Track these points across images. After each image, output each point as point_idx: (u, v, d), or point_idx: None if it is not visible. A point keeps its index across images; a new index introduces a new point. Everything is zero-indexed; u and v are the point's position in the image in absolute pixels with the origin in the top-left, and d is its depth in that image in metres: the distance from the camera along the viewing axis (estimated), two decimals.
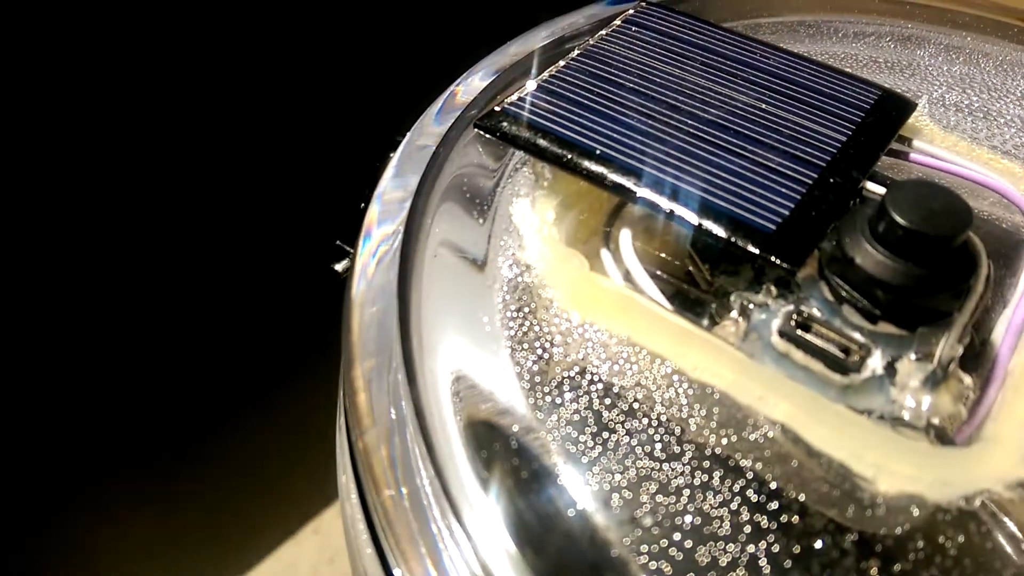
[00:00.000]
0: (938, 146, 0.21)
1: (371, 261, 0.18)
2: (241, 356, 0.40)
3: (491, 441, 0.16)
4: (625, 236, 0.19)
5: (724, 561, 0.14)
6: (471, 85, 0.22)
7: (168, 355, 0.37)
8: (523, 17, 0.24)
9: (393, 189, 0.20)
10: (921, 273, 0.16)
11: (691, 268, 0.19)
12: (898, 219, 0.16)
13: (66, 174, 0.30)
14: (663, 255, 0.19)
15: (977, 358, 0.18)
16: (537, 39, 0.24)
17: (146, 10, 0.29)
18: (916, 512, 0.15)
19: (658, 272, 0.19)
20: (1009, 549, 0.15)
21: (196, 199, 0.34)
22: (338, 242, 0.22)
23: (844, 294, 0.17)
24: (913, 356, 0.16)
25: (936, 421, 0.16)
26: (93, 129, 0.30)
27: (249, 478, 0.43)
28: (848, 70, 0.22)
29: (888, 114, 0.21)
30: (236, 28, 0.31)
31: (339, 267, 0.22)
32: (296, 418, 0.39)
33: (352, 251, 0.20)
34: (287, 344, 0.41)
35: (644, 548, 0.14)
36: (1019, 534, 0.15)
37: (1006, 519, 0.15)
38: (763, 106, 0.21)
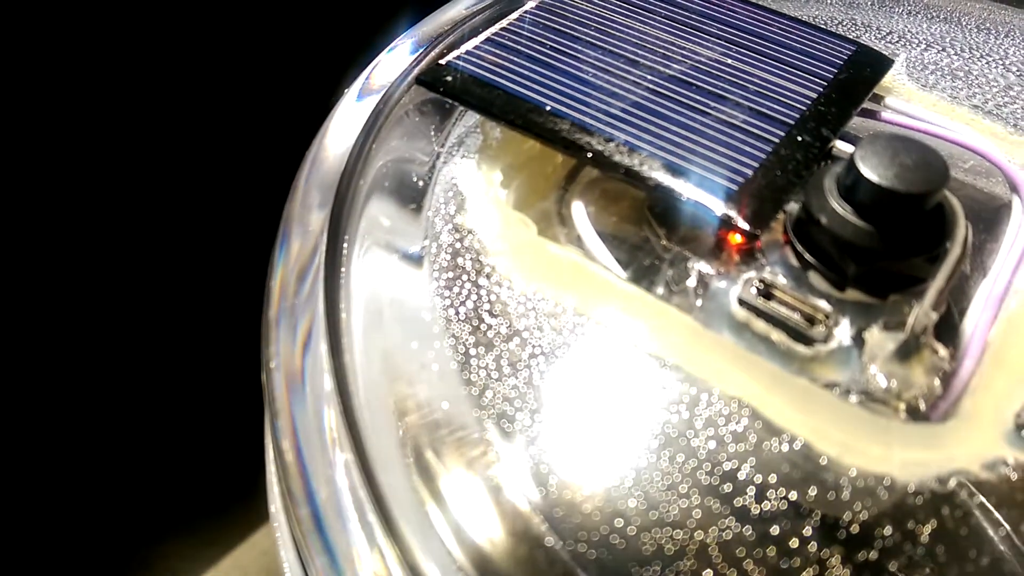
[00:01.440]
0: (916, 106, 0.20)
1: (297, 227, 0.17)
2: (215, 338, 0.39)
3: (421, 420, 0.14)
4: (578, 199, 0.18)
5: (671, 549, 0.13)
6: (415, 40, 0.21)
7: (141, 337, 0.36)
8: None
9: (327, 151, 0.18)
10: (893, 235, 0.15)
11: (648, 233, 0.17)
12: (868, 176, 0.15)
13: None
14: (618, 219, 0.18)
15: (955, 329, 0.16)
16: None
17: None
18: (885, 494, 0.14)
19: (613, 237, 0.17)
20: (987, 533, 0.14)
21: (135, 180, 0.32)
22: None
23: (810, 259, 0.16)
24: (883, 325, 0.15)
25: (908, 396, 0.15)
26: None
27: (222, 464, 0.41)
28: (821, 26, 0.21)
29: (862, 71, 0.20)
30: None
31: None
32: None
33: None
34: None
35: (584, 535, 0.13)
36: (997, 516, 0.14)
37: (983, 501, 0.14)
38: (728, 61, 0.19)
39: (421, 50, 0.20)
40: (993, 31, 0.23)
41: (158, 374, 0.38)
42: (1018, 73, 0.22)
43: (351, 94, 0.19)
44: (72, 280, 0.33)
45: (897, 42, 0.23)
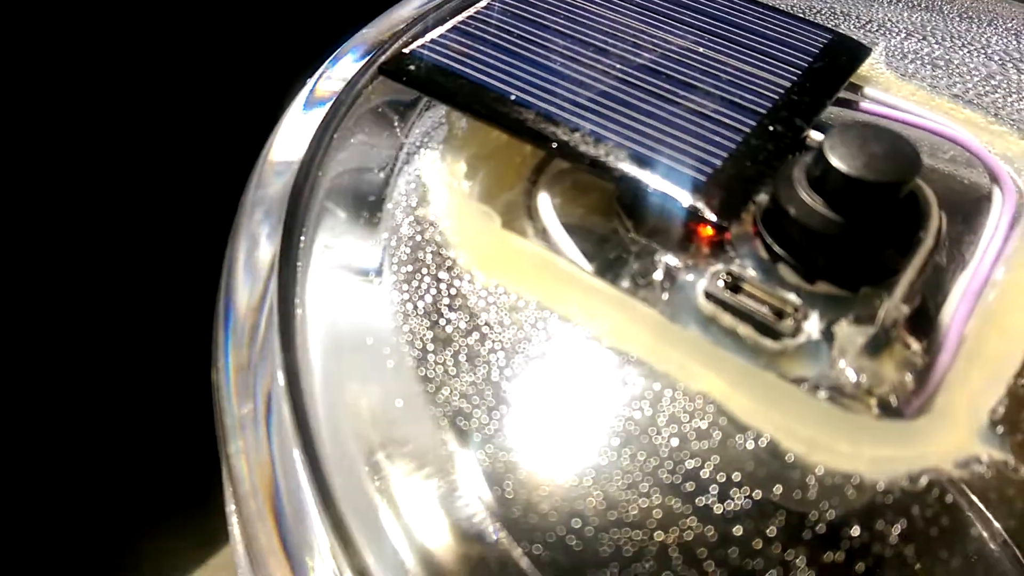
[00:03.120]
0: (894, 95, 0.19)
1: (252, 213, 0.16)
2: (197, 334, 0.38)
3: (374, 417, 0.14)
4: (545, 191, 0.17)
5: (630, 550, 0.12)
6: (363, 44, 0.20)
7: (127, 331, 0.36)
8: None
9: (286, 141, 0.18)
10: (863, 226, 0.15)
11: (616, 225, 0.17)
12: (837, 165, 0.14)
13: None
14: (587, 211, 0.17)
15: (931, 323, 0.16)
16: None
17: None
18: (854, 493, 0.13)
19: (580, 230, 0.17)
20: (958, 532, 0.13)
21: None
22: None
23: (779, 251, 0.15)
24: (854, 319, 0.15)
25: (879, 391, 0.14)
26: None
27: (211, 461, 0.41)
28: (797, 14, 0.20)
29: (838, 59, 0.19)
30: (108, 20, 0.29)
31: None
32: None
33: None
34: None
35: (540, 536, 0.12)
36: (969, 515, 0.13)
37: (955, 500, 0.13)
38: (700, 50, 0.19)
39: (370, 56, 0.19)
40: (976, 20, 0.23)
41: (145, 370, 0.37)
42: (999, 62, 0.21)
43: (297, 105, 0.18)
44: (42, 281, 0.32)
45: (877, 31, 0.22)
